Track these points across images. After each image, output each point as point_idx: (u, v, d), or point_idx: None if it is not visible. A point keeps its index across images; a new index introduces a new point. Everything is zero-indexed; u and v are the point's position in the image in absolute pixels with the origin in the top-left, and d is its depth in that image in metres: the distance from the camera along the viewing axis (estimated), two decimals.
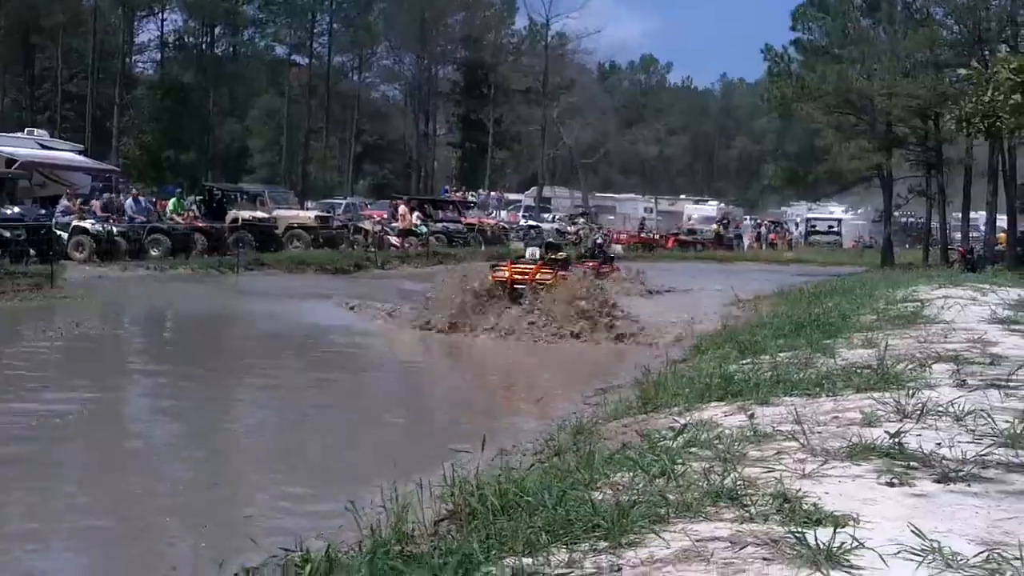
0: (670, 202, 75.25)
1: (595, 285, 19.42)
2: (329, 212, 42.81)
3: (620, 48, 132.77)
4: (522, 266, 19.86)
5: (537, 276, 19.28)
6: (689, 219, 65.81)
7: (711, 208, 69.52)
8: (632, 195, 77.06)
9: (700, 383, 8.33)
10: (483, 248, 41.38)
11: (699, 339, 14.95)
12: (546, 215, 62.77)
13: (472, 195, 62.78)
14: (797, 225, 68.66)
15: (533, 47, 79.34)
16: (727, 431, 6.17)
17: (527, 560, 3.86)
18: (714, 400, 7.75)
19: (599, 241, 35.90)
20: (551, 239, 27.27)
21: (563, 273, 19.79)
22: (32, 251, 25.84)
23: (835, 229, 66.28)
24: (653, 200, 76.44)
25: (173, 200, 35.04)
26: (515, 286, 19.21)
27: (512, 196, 70.22)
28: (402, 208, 42.57)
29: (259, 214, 36.10)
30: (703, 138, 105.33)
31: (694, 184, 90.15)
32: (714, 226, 60.55)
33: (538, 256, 20.29)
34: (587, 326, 17.86)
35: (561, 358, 16.78)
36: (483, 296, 19.01)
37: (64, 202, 29.92)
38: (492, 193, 68.03)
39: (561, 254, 21.49)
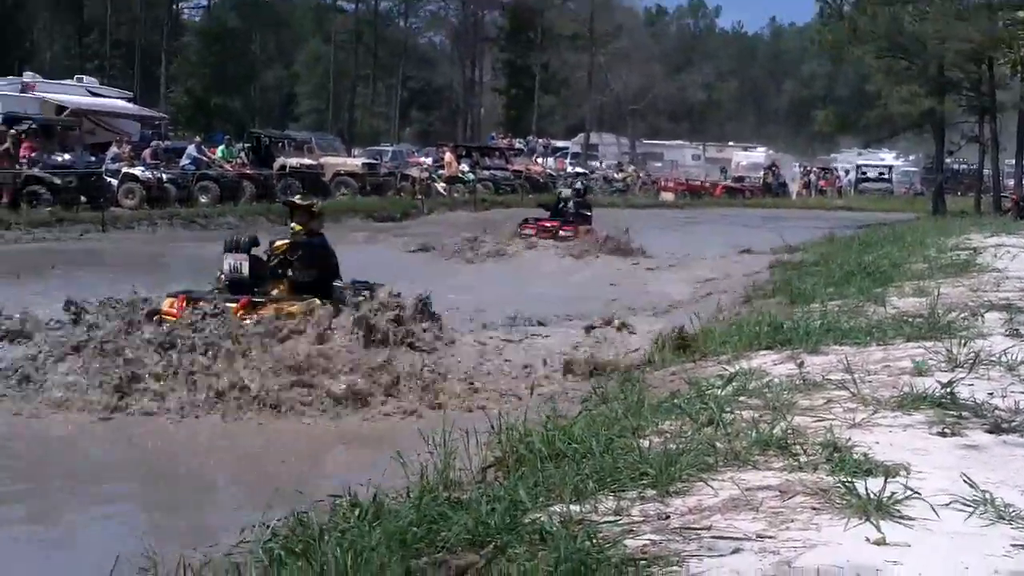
0: (718, 148, 74.54)
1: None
2: (376, 159, 42.85)
3: None
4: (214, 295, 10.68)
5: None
6: (738, 165, 65.16)
7: (759, 154, 68.74)
8: (680, 141, 76.42)
9: (749, 331, 8.28)
10: (530, 195, 41.27)
11: (750, 290, 13.89)
12: (593, 162, 62.47)
13: (519, 142, 62.48)
14: (847, 172, 67.81)
15: None
16: (776, 380, 6.14)
17: (574, 507, 3.87)
18: (763, 348, 7.71)
19: (577, 187, 27.86)
20: (297, 196, 14.36)
21: (298, 306, 10.35)
22: (83, 198, 26.15)
23: (885, 176, 65.33)
24: (701, 146, 75.79)
25: (222, 147, 35.21)
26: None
27: (559, 143, 69.80)
28: (448, 155, 42.50)
29: (306, 161, 36.20)
30: (752, 83, 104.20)
31: (743, 130, 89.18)
32: (761, 173, 59.92)
33: (245, 270, 10.79)
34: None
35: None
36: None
37: (114, 149, 30.12)
38: (539, 140, 67.67)
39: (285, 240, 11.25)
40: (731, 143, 76.36)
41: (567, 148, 67.95)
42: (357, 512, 3.99)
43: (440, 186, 40.07)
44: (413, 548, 3.53)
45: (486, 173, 43.33)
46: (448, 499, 4.08)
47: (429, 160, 46.32)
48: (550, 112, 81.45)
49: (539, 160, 56.02)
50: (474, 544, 3.54)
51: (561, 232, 23.55)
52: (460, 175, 41.04)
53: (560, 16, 77.12)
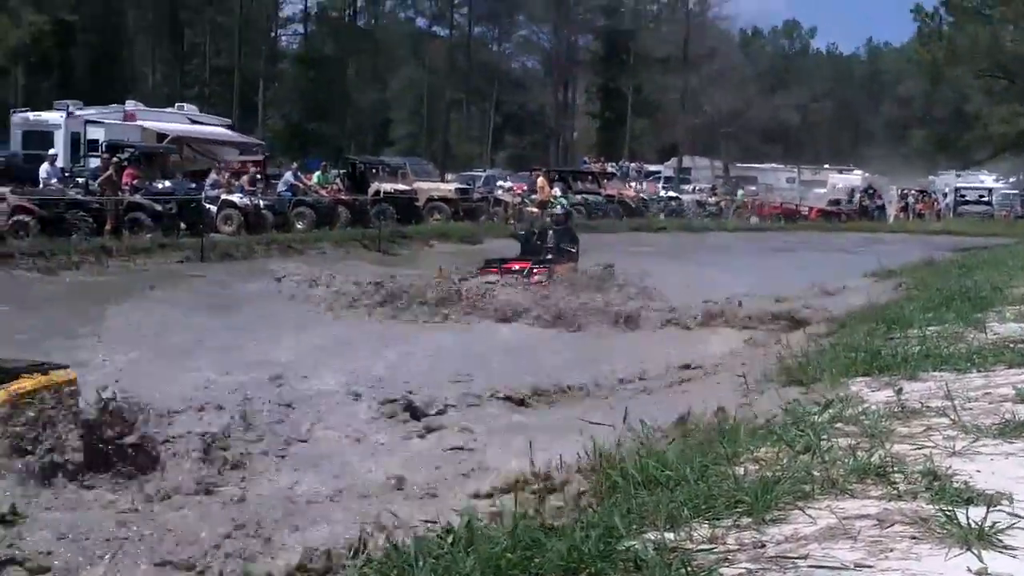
0: (813, 171, 73.67)
1: None
2: (469, 184, 43.13)
3: (762, 14, 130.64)
4: None
5: None
6: (834, 188, 64.36)
7: (856, 177, 67.86)
8: (774, 164, 75.71)
9: (845, 358, 8.18)
10: (623, 219, 41.16)
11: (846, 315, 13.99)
12: (686, 186, 62.15)
13: (612, 166, 62.44)
14: (946, 195, 66.62)
15: (673, 14, 78.63)
16: (873, 407, 6.05)
17: (669, 535, 3.84)
18: (859, 375, 7.60)
19: (558, 212, 23.11)
20: None
21: None
22: (183, 224, 26.67)
23: (986, 199, 63.98)
24: (796, 169, 75.03)
25: (318, 174, 35.69)
26: None
27: (652, 167, 69.60)
28: (541, 180, 42.61)
29: (400, 186, 36.56)
30: (848, 104, 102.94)
31: (838, 152, 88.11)
32: (857, 196, 59.07)
33: None
34: None
35: None
36: None
37: (213, 176, 30.68)
38: (631, 164, 67.57)
39: None
40: (827, 165, 75.42)
41: (660, 172, 67.73)
42: (451, 538, 4.00)
43: (532, 210, 40.16)
44: (507, 574, 3.54)
45: (578, 197, 43.32)
46: (542, 525, 4.08)
47: (508, 184, 46.73)
48: (642, 135, 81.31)
49: (632, 184, 55.88)
50: (568, 571, 3.53)
51: (534, 274, 18.42)
52: (552, 199, 41.09)
53: (653, 38, 77.05)
